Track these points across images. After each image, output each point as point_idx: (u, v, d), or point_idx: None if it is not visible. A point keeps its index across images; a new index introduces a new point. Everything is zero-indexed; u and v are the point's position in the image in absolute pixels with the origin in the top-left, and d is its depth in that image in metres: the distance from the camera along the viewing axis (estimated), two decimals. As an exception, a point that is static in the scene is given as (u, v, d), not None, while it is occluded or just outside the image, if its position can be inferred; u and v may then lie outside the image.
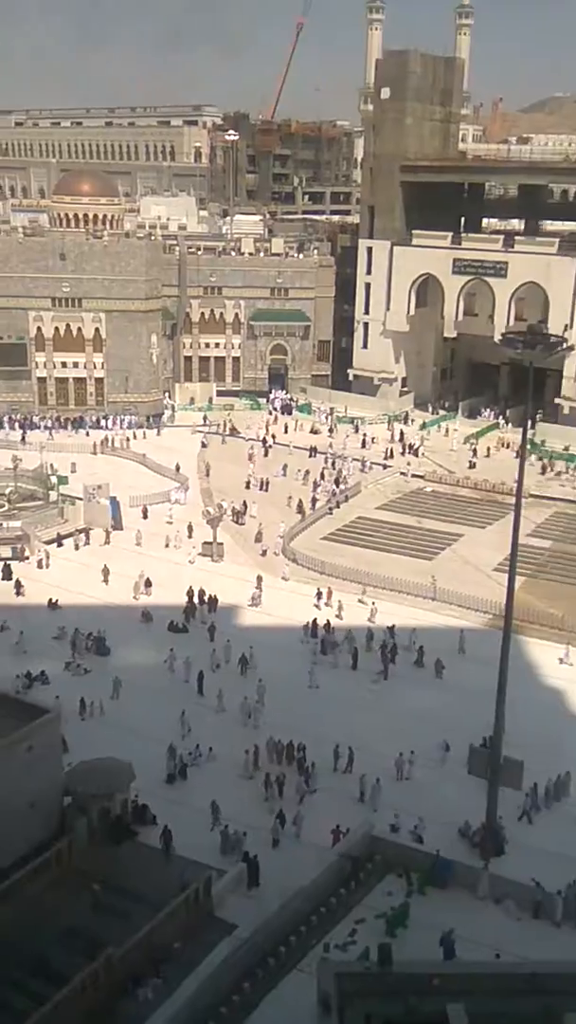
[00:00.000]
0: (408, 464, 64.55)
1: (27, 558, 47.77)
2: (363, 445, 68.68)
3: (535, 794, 29.66)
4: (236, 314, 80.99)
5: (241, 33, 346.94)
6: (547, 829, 28.88)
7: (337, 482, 60.22)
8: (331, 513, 55.83)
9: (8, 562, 46.45)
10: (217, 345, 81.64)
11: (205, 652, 38.21)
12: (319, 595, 43.83)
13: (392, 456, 66.11)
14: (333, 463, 63.19)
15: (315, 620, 41.25)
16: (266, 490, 58.63)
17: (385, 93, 76.12)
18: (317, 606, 43.18)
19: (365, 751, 31.44)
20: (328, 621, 41.28)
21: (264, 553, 49.20)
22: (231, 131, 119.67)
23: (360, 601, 43.47)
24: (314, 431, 72.33)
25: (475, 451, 66.82)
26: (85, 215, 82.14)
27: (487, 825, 27.43)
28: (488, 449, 68.07)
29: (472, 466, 64.55)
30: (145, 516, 53.61)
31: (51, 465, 58.74)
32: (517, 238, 74.74)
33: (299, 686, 36.37)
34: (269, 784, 29.80)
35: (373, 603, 43.07)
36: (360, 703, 35.65)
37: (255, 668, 37.12)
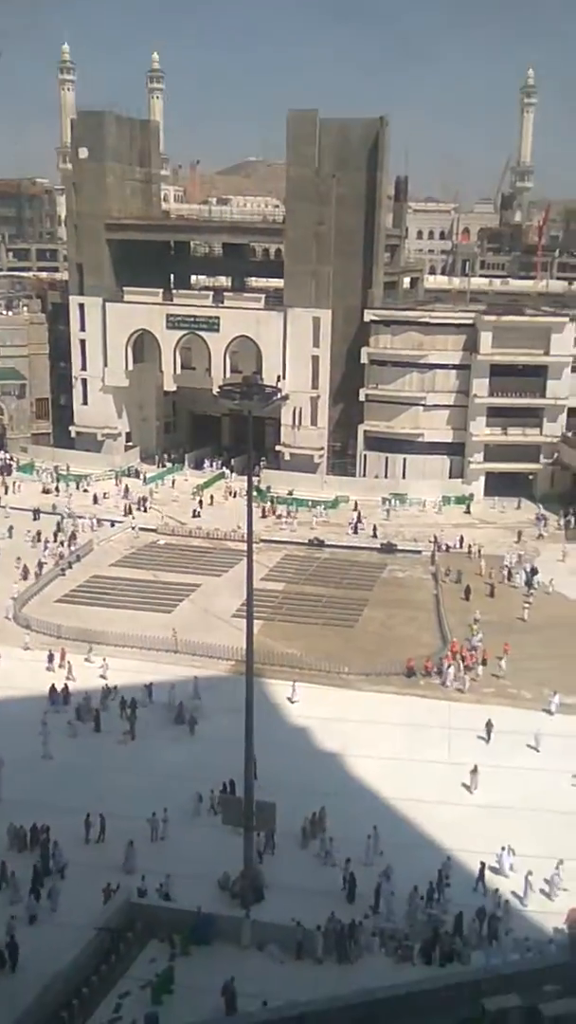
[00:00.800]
0: (133, 518, 64.32)
1: None
2: (95, 501, 67.65)
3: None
4: (-55, 376, 77.06)
5: None
6: (305, 866, 29.48)
7: (68, 542, 58.67)
8: (64, 574, 54.25)
9: None
10: None
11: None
12: (51, 658, 42.32)
13: (129, 512, 65.45)
14: (60, 524, 61.47)
15: (65, 686, 39.68)
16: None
17: (83, 153, 76.55)
18: (50, 669, 41.64)
19: (117, 817, 30.49)
20: (65, 685, 39.92)
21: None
22: None
23: (87, 660, 42.50)
24: (45, 491, 70.25)
25: (200, 501, 67.84)
26: None
27: (245, 873, 27.53)
28: (211, 498, 69.34)
29: (196, 515, 65.55)
30: None
31: None
32: (226, 294, 77.80)
33: (41, 760, 34.74)
34: (5, 876, 28.07)
35: (104, 660, 42.14)
36: (108, 767, 34.61)
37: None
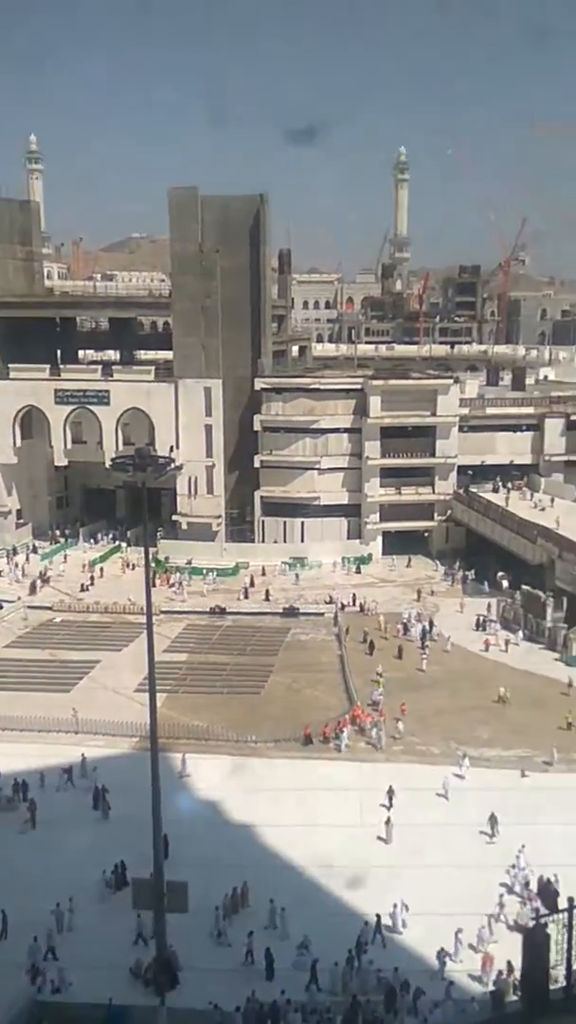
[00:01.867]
0: (28, 594, 62.69)
1: None
2: (8, 571, 66.33)
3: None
4: None
5: None
6: (226, 946, 28.34)
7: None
8: (-45, 660, 52.02)
9: None
10: None
11: None
12: None
13: (34, 590, 63.72)
14: None
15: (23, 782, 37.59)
16: None
17: (-37, 234, 76.21)
18: None
19: (21, 911, 28.82)
20: None
21: None
22: None
23: None
24: None
25: (92, 577, 66.50)
26: None
27: (157, 958, 26.26)
28: (101, 571, 68.18)
29: (84, 588, 64.32)
30: None
31: None
32: (115, 367, 77.75)
33: None
34: None
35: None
36: (6, 861, 32.78)
37: None
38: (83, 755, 39.44)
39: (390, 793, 35.82)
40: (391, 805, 35.53)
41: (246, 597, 62.96)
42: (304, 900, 29.62)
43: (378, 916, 28.49)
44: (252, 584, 64.68)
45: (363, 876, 31.38)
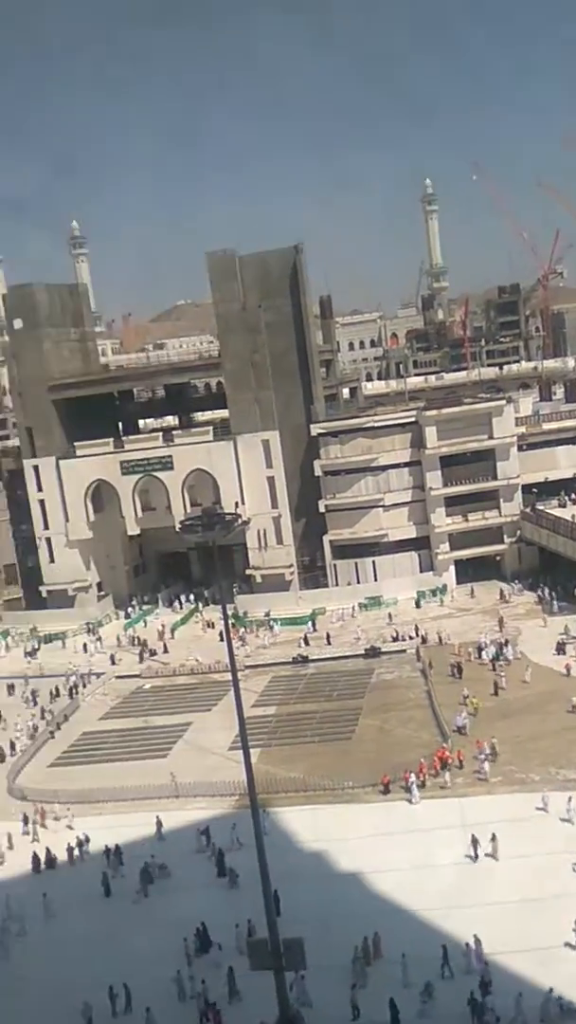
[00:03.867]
0: (149, 657, 64.37)
1: None
2: (83, 649, 67.96)
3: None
4: None
5: None
6: (367, 999, 27.96)
7: (71, 694, 58.52)
8: (53, 737, 53.33)
9: None
10: None
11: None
12: (25, 820, 41.56)
13: (143, 658, 65.15)
14: (33, 696, 59.80)
15: (47, 851, 38.46)
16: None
17: (18, 324, 79.48)
18: (27, 833, 40.85)
19: (138, 976, 29.28)
20: (47, 850, 38.88)
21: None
22: None
23: (69, 827, 41.16)
24: (28, 654, 69.82)
25: (163, 643, 67.34)
26: None
27: (281, 1019, 26.35)
28: (172, 633, 69.26)
29: (152, 654, 65.49)
30: None
31: None
32: (175, 432, 79.64)
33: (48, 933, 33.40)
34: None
35: (69, 816, 41.49)
36: (118, 931, 33.21)
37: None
38: (187, 819, 39.96)
39: (475, 841, 35.04)
40: (488, 853, 34.91)
41: (305, 643, 63.53)
42: (422, 945, 29.40)
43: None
44: (314, 629, 65.92)
45: (479, 914, 31.03)
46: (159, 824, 39.85)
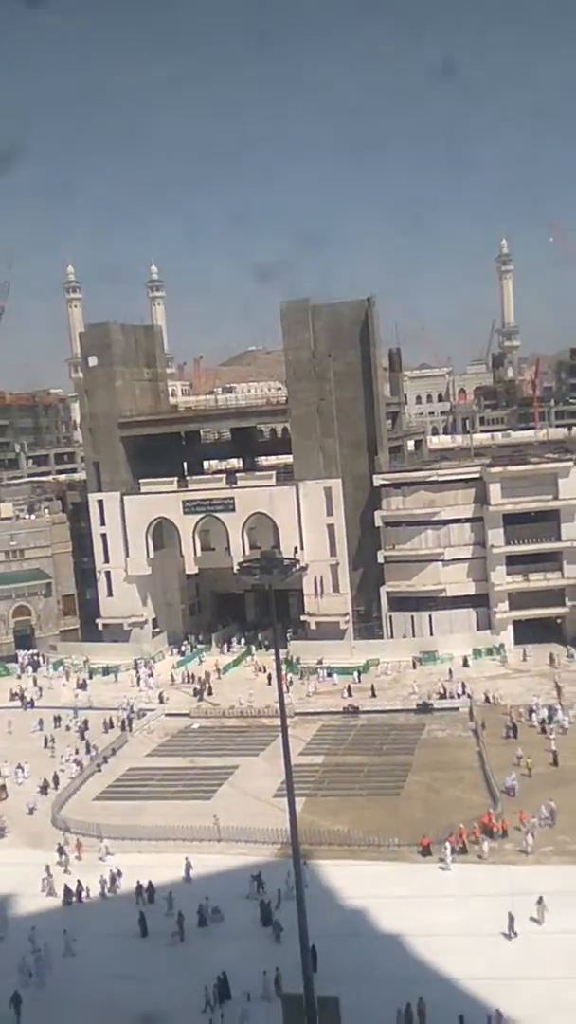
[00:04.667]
0: (203, 698, 64.22)
1: None
2: (134, 684, 68.12)
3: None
4: (-28, 582, 78.95)
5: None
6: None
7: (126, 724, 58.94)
8: (99, 770, 53.38)
9: None
10: (-45, 616, 78.48)
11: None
12: (60, 851, 41.59)
13: (201, 695, 65.41)
14: (82, 728, 59.97)
15: (149, 883, 38.26)
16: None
17: (92, 361, 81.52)
18: (61, 864, 40.83)
19: (158, 1021, 28.80)
20: (79, 883, 38.80)
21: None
22: None
23: (101, 859, 41.20)
24: (80, 685, 70.36)
25: (209, 686, 67.15)
26: None
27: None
28: (218, 674, 69.12)
29: (210, 692, 65.34)
30: None
31: None
32: (238, 475, 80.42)
33: (102, 972, 32.99)
34: None
35: (103, 848, 41.27)
36: (151, 974, 32.71)
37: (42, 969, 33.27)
38: (227, 864, 39.46)
39: (540, 899, 34.18)
40: (541, 922, 33.63)
41: (348, 694, 62.73)
42: (465, 1012, 28.36)
43: None
44: (359, 680, 65.32)
45: (519, 990, 29.88)
46: (188, 866, 39.50)
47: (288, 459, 79.72)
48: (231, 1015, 29.65)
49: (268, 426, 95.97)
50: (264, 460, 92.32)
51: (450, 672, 65.24)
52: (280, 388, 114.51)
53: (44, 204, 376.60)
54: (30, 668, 75.61)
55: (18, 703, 66.86)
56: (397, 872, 38.76)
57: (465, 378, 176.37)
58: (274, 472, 79.20)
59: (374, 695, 62.31)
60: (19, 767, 53.20)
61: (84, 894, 38.78)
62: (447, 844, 39.11)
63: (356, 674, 66.56)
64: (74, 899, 38.54)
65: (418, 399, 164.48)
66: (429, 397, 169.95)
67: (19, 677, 74.00)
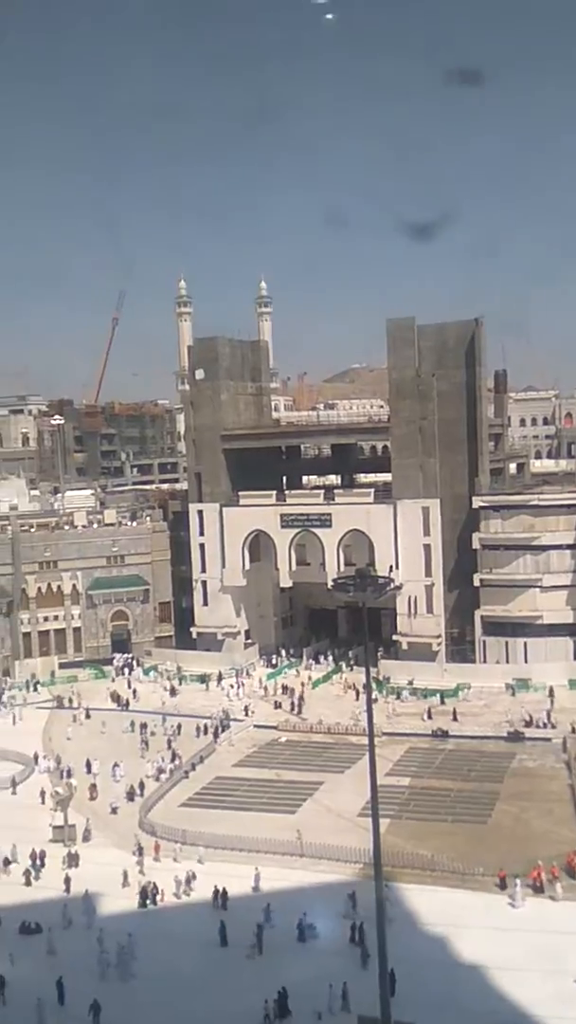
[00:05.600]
0: (295, 712, 64.55)
1: None
2: (225, 694, 68.76)
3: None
4: (74, 585, 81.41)
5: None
6: None
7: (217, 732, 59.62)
8: (187, 776, 54.16)
9: None
10: (56, 617, 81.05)
11: (68, 954, 35.02)
12: (139, 851, 42.48)
13: (296, 708, 65.68)
14: (173, 733, 61.10)
15: (224, 890, 38.75)
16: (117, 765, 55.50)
17: (199, 374, 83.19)
18: (139, 864, 41.70)
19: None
20: (153, 884, 39.65)
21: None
22: (56, 416, 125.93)
23: (175, 860, 42.17)
24: (174, 691, 71.71)
25: (296, 703, 67.14)
26: None
27: None
28: (300, 690, 68.70)
29: (298, 709, 65.40)
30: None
31: None
32: (336, 491, 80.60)
33: (180, 978, 33.46)
34: None
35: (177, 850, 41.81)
36: (231, 986, 32.96)
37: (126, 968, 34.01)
38: (305, 880, 39.47)
39: None
40: None
41: (428, 717, 62.17)
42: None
43: None
44: (442, 703, 64.45)
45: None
46: (257, 878, 39.76)
47: (387, 477, 79.42)
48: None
49: (368, 443, 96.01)
50: (363, 477, 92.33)
51: (551, 700, 63.43)
52: (382, 406, 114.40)
53: (157, 220, 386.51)
54: (125, 671, 77.48)
55: (114, 705, 68.51)
56: (479, 902, 38.05)
57: (572, 402, 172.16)
58: (372, 490, 79.07)
59: (455, 719, 61.34)
60: (115, 766, 54.55)
61: (159, 897, 39.43)
62: (517, 880, 38.24)
63: (439, 697, 65.59)
64: (149, 902, 39.14)
65: (522, 421, 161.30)
66: (534, 420, 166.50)
67: (113, 680, 75.83)
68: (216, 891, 38.87)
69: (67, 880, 41.03)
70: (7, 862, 43.27)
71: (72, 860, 43.19)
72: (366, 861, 38.91)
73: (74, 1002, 31.69)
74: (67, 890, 40.45)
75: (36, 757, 57.48)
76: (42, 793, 51.20)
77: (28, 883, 41.80)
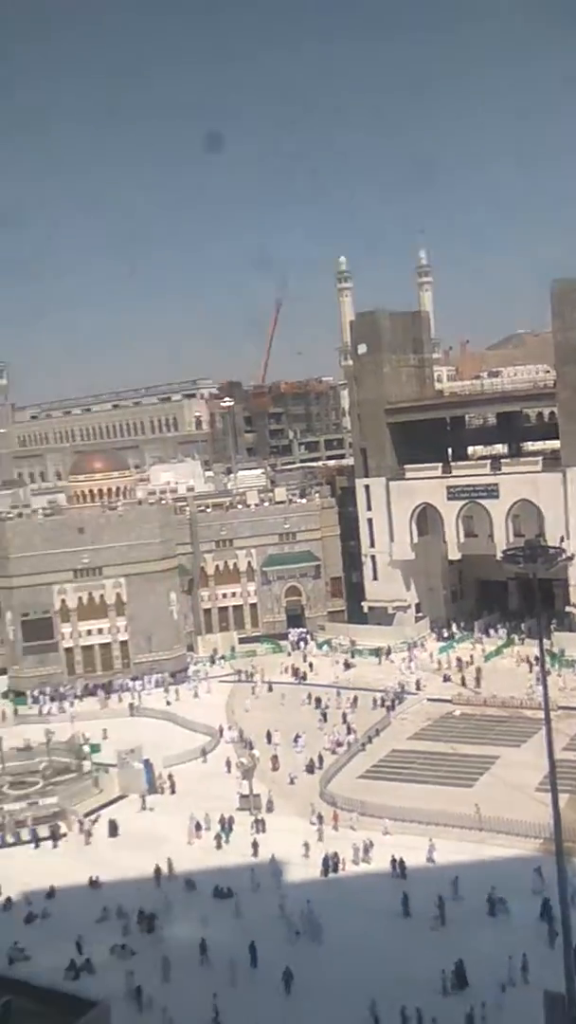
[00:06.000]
0: (475, 689, 64.70)
1: (64, 835, 47.19)
2: (398, 668, 69.57)
3: None
4: (249, 562, 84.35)
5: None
6: None
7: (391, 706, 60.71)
8: (364, 749, 55.51)
9: (46, 841, 46.09)
10: (234, 594, 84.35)
11: (257, 918, 37.16)
12: (319, 819, 44.15)
13: (466, 684, 65.97)
14: (352, 707, 62.63)
15: (401, 860, 40.09)
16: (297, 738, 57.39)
17: (362, 349, 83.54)
18: (318, 833, 43.29)
19: (433, 1005, 29.84)
20: (336, 854, 40.92)
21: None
22: (227, 398, 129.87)
23: (352, 828, 43.40)
24: (347, 665, 73.41)
25: (477, 670, 67.10)
26: (99, 490, 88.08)
27: None
28: (475, 668, 68.37)
29: (477, 682, 65.10)
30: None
31: (83, 735, 59.23)
32: (503, 461, 79.12)
33: (365, 946, 34.80)
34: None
35: (367, 836, 42.39)
36: (415, 956, 33.83)
37: (316, 933, 35.72)
38: (486, 854, 39.77)
39: None
40: None
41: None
42: None
43: None
44: None
45: None
46: (431, 849, 40.48)
47: (555, 444, 77.18)
48: (474, 1002, 30.16)
49: (535, 411, 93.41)
50: (530, 446, 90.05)
51: None
52: (548, 371, 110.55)
53: (315, 198, 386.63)
54: (301, 645, 79.73)
55: (292, 678, 70.87)
56: None
57: None
58: (540, 458, 77.05)
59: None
60: (297, 737, 56.77)
61: (341, 866, 40.90)
62: None
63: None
64: (331, 871, 40.67)
65: None
66: None
67: (289, 654, 78.26)
68: (394, 860, 40.01)
69: (255, 844, 43.36)
70: (199, 827, 46.10)
71: (259, 826, 45.57)
72: (546, 836, 38.82)
73: (264, 965, 33.73)
74: (255, 854, 42.75)
75: (221, 729, 60.52)
76: (228, 763, 54.13)
77: (219, 846, 44.47)
